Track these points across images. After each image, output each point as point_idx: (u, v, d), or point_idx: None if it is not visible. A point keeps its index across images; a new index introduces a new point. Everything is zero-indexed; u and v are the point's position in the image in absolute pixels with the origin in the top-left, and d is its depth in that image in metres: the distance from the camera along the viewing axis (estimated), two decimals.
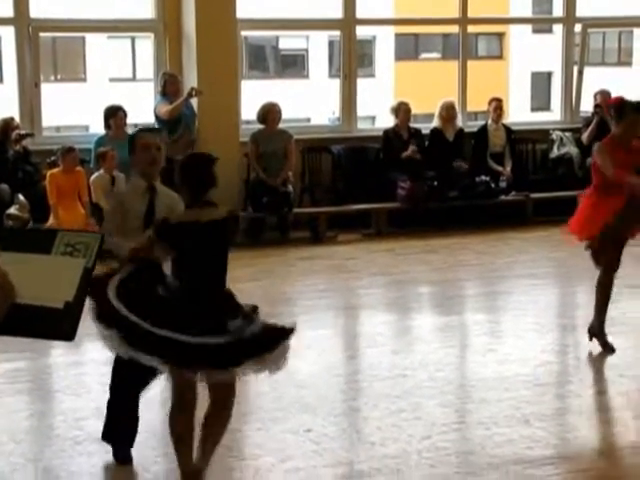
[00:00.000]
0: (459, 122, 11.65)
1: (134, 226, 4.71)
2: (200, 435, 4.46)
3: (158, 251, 4.28)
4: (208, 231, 4.30)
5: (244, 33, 12.45)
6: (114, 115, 10.13)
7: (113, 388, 4.95)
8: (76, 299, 1.68)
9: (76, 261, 1.72)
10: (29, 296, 1.65)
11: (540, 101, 27.92)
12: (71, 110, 21.43)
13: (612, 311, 6.99)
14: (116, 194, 4.79)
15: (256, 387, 6.27)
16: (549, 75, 27.19)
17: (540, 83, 29.18)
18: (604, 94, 11.83)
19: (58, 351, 6.77)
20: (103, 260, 4.35)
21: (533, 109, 28.56)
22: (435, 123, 11.51)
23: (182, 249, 4.24)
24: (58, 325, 1.67)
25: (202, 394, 4.45)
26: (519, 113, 26.15)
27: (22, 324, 1.67)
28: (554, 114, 14.20)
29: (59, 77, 26.92)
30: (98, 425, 5.38)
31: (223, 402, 4.45)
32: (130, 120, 10.67)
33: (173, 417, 4.40)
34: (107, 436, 5.04)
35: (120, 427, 4.99)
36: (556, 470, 4.89)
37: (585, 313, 8.29)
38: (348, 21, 11.67)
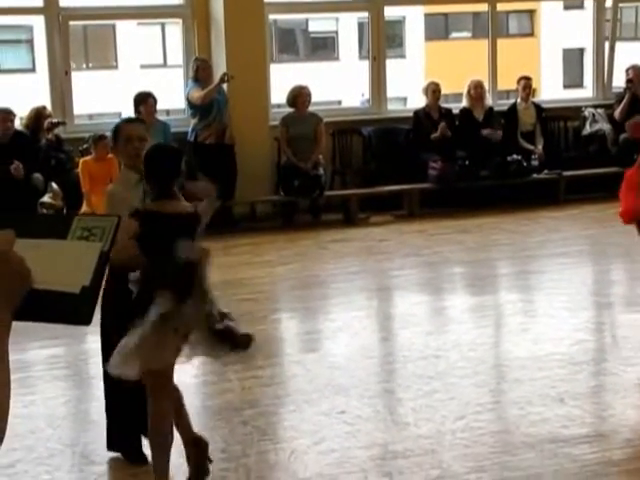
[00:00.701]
0: (488, 101, 11.57)
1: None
2: None
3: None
4: (169, 223, 4.24)
5: (272, 16, 12.44)
6: (144, 102, 10.15)
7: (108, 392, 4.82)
8: (93, 283, 1.67)
9: (93, 245, 1.70)
10: (46, 281, 1.64)
11: (572, 78, 27.64)
12: (103, 97, 21.50)
13: None
14: (112, 193, 4.62)
15: (289, 369, 6.32)
16: (581, 51, 26.87)
17: (572, 60, 28.89)
18: (636, 69, 11.70)
19: (93, 337, 6.79)
20: None
21: (565, 86, 28.29)
22: (464, 103, 11.45)
23: (142, 237, 4.20)
24: (75, 310, 1.66)
25: None
26: (551, 90, 25.94)
27: (39, 309, 1.66)
28: (586, 91, 14.07)
29: (90, 65, 27.04)
30: None
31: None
32: (161, 106, 10.70)
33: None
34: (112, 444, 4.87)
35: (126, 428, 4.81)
36: (592, 449, 4.86)
37: (620, 290, 8.27)
38: (376, 2, 11.63)
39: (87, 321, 1.65)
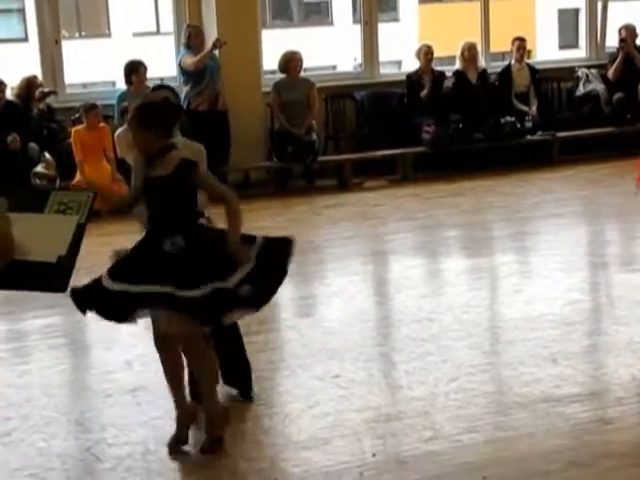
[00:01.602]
0: (481, 63, 11.52)
1: None
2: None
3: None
4: (155, 186, 4.27)
5: None
6: (135, 70, 10.11)
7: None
8: (69, 253, 1.70)
9: (69, 218, 1.73)
10: (23, 252, 1.66)
11: (568, 38, 27.51)
12: (96, 66, 21.40)
13: None
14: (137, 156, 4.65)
15: (284, 334, 6.34)
16: (576, 12, 26.69)
17: (567, 20, 28.74)
18: (629, 29, 11.66)
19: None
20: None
21: (561, 47, 28.16)
22: (457, 65, 11.40)
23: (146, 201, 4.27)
24: (51, 278, 1.69)
25: None
26: (547, 51, 25.83)
27: (17, 278, 1.68)
28: (581, 51, 13.99)
29: (83, 34, 26.88)
30: (128, 378, 5.47)
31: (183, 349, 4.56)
32: (154, 74, 10.65)
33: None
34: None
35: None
36: (584, 407, 4.88)
37: (615, 251, 8.27)
38: None
39: (63, 289, 1.67)
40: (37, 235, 1.70)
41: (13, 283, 1.67)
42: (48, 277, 1.69)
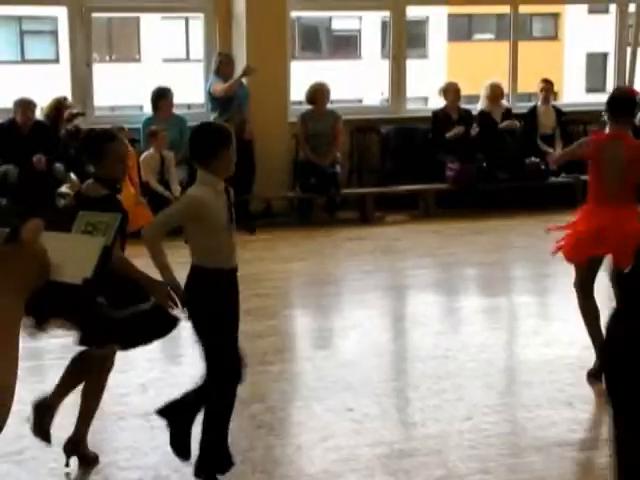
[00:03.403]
0: (506, 103, 11.53)
1: (220, 225, 4.44)
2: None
3: None
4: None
5: (295, 13, 12.43)
6: (163, 97, 10.19)
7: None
8: (94, 276, 1.70)
9: (96, 239, 1.73)
10: (56, 273, 1.67)
11: (595, 82, 27.53)
12: (125, 90, 21.56)
13: None
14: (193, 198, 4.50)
15: (299, 365, 6.32)
16: (604, 56, 26.76)
17: (595, 64, 28.78)
18: None
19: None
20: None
21: (588, 90, 28.18)
22: (481, 104, 11.41)
23: None
24: (77, 302, 1.70)
25: None
26: (574, 94, 25.84)
27: (47, 301, 1.69)
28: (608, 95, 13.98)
29: (114, 57, 27.14)
30: (142, 401, 5.47)
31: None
32: (183, 100, 10.72)
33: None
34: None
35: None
36: (599, 453, 4.84)
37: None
38: (399, 1, 11.60)
39: None
40: (64, 255, 1.70)
41: (47, 306, 1.68)
42: (75, 300, 1.70)
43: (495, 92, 11.25)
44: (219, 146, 4.38)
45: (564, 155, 6.98)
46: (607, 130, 6.03)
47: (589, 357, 6.18)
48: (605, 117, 6.56)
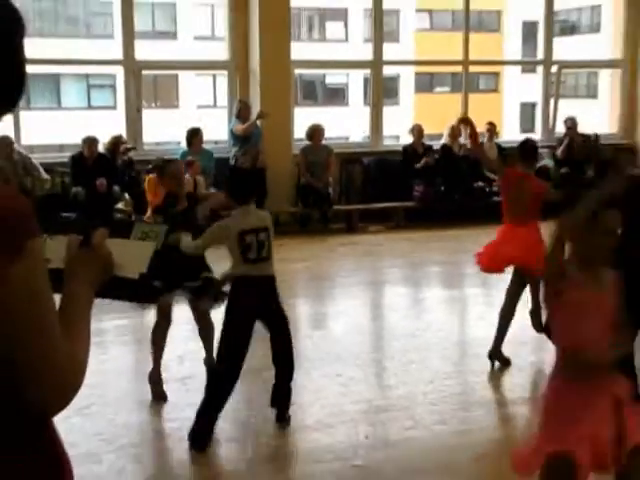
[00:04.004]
0: (462, 140, 11.55)
1: None
2: None
3: None
4: None
5: (298, 71, 12.44)
6: (195, 135, 10.17)
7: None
8: (148, 271, 1.71)
9: (148, 244, 1.74)
10: (118, 269, 1.69)
11: (527, 124, 27.61)
12: (167, 129, 21.58)
13: None
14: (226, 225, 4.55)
15: (301, 342, 6.30)
16: (533, 105, 26.84)
17: (527, 111, 28.86)
18: (573, 120, 11.71)
19: (151, 312, 6.84)
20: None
21: (522, 131, 28.26)
22: (444, 140, 11.43)
23: None
24: (135, 291, 1.71)
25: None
26: (511, 133, 25.90)
27: (113, 290, 1.71)
28: (536, 135, 14.00)
29: (158, 104, 27.14)
30: (179, 369, 5.47)
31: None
32: (210, 137, 10.71)
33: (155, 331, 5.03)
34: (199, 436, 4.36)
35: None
36: (528, 408, 4.84)
37: None
38: (377, 63, 11.61)
39: (143, 299, 1.70)
40: (125, 256, 1.71)
41: (110, 294, 1.70)
42: (134, 290, 1.71)
43: (453, 132, 11.28)
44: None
45: (483, 157, 6.77)
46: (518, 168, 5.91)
47: (523, 334, 6.18)
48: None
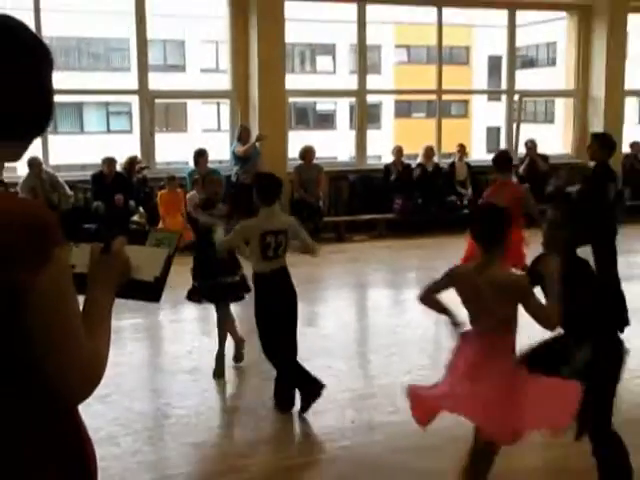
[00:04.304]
0: (436, 159, 11.59)
1: None
2: None
3: None
4: None
5: (292, 99, 12.45)
6: (201, 156, 10.14)
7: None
8: (161, 275, 1.70)
9: (162, 250, 1.73)
10: (134, 273, 1.68)
11: (492, 146, 27.71)
12: (177, 151, 21.55)
13: None
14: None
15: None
16: (498, 129, 26.99)
17: (492, 134, 28.99)
18: (533, 141, 11.77)
19: (163, 312, 6.83)
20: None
21: (488, 151, 28.38)
22: (420, 159, 11.46)
23: None
24: (150, 292, 1.69)
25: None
26: (478, 154, 25.99)
27: (129, 291, 1.70)
28: None
29: (169, 129, 27.11)
30: (188, 362, 5.43)
31: None
32: (215, 158, 10.70)
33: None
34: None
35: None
36: None
37: None
38: (361, 92, 11.64)
39: (157, 300, 1.69)
40: (141, 261, 1.70)
41: (127, 294, 1.69)
42: (148, 291, 1.70)
43: (428, 152, 11.31)
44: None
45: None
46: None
47: None
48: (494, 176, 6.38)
